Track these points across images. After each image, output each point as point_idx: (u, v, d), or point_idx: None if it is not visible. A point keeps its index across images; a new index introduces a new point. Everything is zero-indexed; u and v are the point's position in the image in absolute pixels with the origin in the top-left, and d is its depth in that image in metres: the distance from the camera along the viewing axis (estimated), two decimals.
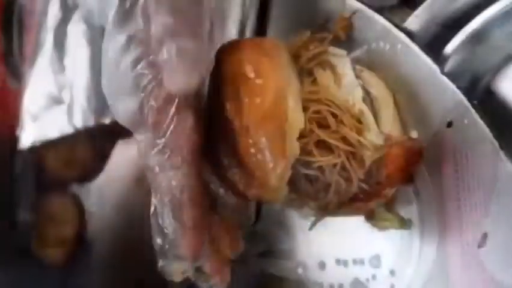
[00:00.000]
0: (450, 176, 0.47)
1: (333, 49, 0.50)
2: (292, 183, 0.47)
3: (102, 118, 0.78)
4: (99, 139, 0.89)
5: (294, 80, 0.43)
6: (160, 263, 0.47)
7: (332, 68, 0.48)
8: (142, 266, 0.83)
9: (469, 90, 0.50)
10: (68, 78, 0.82)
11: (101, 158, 0.90)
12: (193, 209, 0.43)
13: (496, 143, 0.44)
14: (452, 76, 0.50)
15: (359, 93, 0.47)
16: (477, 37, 0.49)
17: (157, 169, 0.43)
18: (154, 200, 0.45)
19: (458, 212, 0.46)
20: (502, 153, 0.43)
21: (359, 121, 0.46)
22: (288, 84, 0.42)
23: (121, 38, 0.42)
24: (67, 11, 0.83)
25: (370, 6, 0.53)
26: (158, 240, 0.46)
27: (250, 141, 0.42)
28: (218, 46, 0.47)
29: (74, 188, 0.95)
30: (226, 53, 0.47)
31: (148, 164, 0.44)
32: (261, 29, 0.64)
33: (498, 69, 0.50)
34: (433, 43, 0.52)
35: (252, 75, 0.42)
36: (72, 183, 0.94)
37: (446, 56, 0.51)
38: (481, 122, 0.45)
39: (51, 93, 0.86)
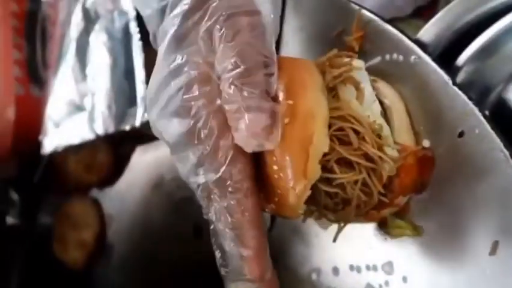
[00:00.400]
0: (461, 184, 0.48)
1: (355, 62, 0.51)
2: (312, 197, 0.48)
3: (122, 125, 0.80)
4: (118, 144, 0.92)
5: (324, 102, 0.43)
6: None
7: (356, 84, 0.48)
8: (160, 269, 0.85)
9: (480, 101, 0.51)
10: (90, 86, 0.85)
11: (120, 163, 0.92)
12: (254, 230, 0.43)
13: (507, 152, 0.45)
14: (463, 87, 0.51)
15: (377, 107, 0.49)
16: (489, 48, 0.51)
17: (216, 194, 0.42)
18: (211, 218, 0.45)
19: (468, 220, 0.47)
20: None
21: (379, 136, 0.47)
22: (319, 107, 0.43)
23: (177, 58, 0.42)
24: (89, 22, 0.86)
25: (383, 18, 0.55)
26: (220, 261, 0.46)
27: (274, 158, 0.43)
28: None
29: (94, 192, 0.97)
30: None
31: (196, 183, 0.44)
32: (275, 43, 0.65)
33: (509, 79, 0.51)
34: (445, 54, 0.54)
35: (283, 94, 0.43)
36: (92, 187, 0.97)
37: (458, 67, 0.52)
38: (491, 132, 0.46)
39: (73, 100, 0.88)
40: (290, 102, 0.42)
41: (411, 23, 0.70)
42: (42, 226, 1.05)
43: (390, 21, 0.68)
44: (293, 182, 0.42)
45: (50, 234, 1.00)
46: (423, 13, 0.71)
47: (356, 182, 0.45)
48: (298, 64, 0.45)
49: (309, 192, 0.43)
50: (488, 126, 0.46)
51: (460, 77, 0.52)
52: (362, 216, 0.50)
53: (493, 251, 0.45)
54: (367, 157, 0.45)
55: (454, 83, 0.49)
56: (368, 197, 0.46)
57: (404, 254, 0.53)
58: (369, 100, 0.48)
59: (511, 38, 0.50)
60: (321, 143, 0.42)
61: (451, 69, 0.52)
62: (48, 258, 0.99)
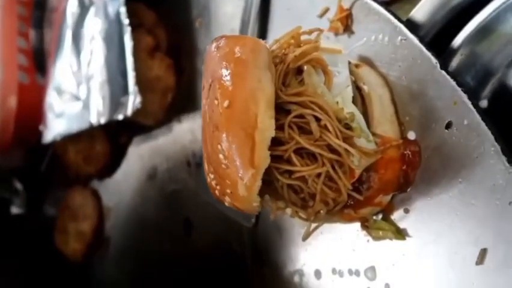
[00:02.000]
0: (448, 182, 0.42)
1: (326, 45, 0.46)
2: (275, 191, 0.44)
3: (115, 115, 0.77)
4: (115, 135, 0.89)
5: (268, 81, 0.39)
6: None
7: (323, 66, 0.43)
8: (157, 257, 0.83)
9: (478, 87, 0.45)
10: (84, 74, 0.82)
11: (117, 153, 0.90)
12: None
13: (498, 147, 0.39)
14: (460, 72, 0.45)
15: (349, 93, 0.43)
16: (487, 29, 0.44)
17: None
18: None
19: (455, 223, 0.41)
20: (504, 158, 0.38)
21: (348, 126, 0.42)
22: (261, 89, 0.38)
23: None
24: (84, 9, 0.83)
25: None
26: None
27: (219, 146, 0.39)
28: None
29: (94, 184, 0.96)
30: (209, 48, 0.44)
31: None
32: (263, 24, 0.61)
33: (511, 64, 0.44)
34: (440, 36, 0.48)
35: (225, 75, 0.40)
36: (91, 178, 0.95)
37: (453, 50, 0.46)
38: (482, 123, 0.40)
39: (69, 89, 0.86)
40: (230, 83, 0.37)
41: (414, 3, 0.63)
42: (45, 216, 1.04)
43: (391, 2, 0.64)
44: (240, 172, 0.38)
45: (52, 224, 0.99)
46: None
47: (318, 175, 0.40)
48: (242, 43, 0.40)
49: (259, 183, 0.38)
50: (478, 117, 0.40)
51: (456, 61, 0.46)
52: (336, 215, 0.45)
53: (481, 260, 0.39)
54: (331, 148, 0.40)
55: (442, 67, 0.43)
56: (336, 193, 0.41)
57: (387, 259, 0.47)
58: (342, 85, 0.42)
59: (510, 16, 0.43)
60: (266, 126, 0.38)
61: (446, 52, 0.46)
62: (50, 249, 0.98)
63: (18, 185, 1.04)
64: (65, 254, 0.96)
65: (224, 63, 0.40)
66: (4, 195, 1.04)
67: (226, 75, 0.40)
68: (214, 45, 0.43)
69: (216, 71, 0.41)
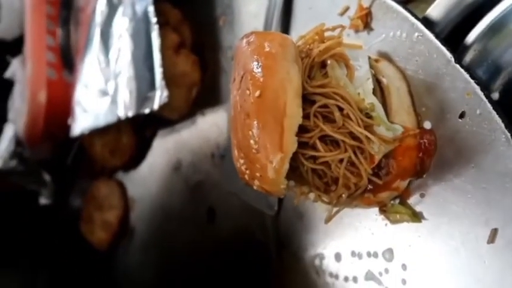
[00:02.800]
0: (462, 167, 0.45)
1: (348, 41, 0.49)
2: (300, 176, 0.47)
3: (142, 108, 0.81)
4: (141, 129, 0.93)
5: (295, 73, 0.42)
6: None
7: (346, 61, 0.47)
8: (181, 246, 0.87)
9: (490, 80, 0.48)
10: (112, 70, 0.86)
11: (142, 147, 0.94)
12: None
13: (508, 134, 0.42)
14: (472, 66, 0.48)
15: (369, 85, 0.47)
16: (498, 26, 0.47)
17: None
18: None
19: (467, 205, 0.45)
20: None
21: (368, 115, 0.45)
22: (290, 80, 0.42)
23: None
24: (112, 7, 0.87)
25: None
26: None
27: (250, 133, 0.43)
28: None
29: (120, 175, 1.00)
30: (239, 43, 0.48)
31: None
32: (285, 22, 0.64)
33: None
34: (455, 33, 0.51)
35: (256, 67, 0.43)
36: (117, 170, 0.99)
37: (467, 46, 0.49)
38: (493, 112, 0.43)
39: (98, 85, 0.90)
40: (260, 75, 0.41)
41: (430, 2, 0.66)
42: (72, 207, 1.09)
43: (408, 0, 0.67)
44: (270, 156, 0.41)
45: (78, 214, 1.04)
46: None
47: (341, 160, 0.43)
48: (270, 38, 0.44)
49: (287, 166, 0.42)
50: (490, 107, 0.43)
51: (469, 56, 0.49)
52: (357, 199, 0.49)
53: (492, 239, 0.43)
54: (353, 136, 0.43)
55: (457, 61, 0.46)
56: (357, 178, 0.44)
57: (404, 241, 0.50)
58: (362, 78, 0.46)
59: None
60: (294, 113, 0.41)
61: (460, 47, 0.49)
62: (76, 238, 1.02)
63: (47, 177, 1.08)
64: (91, 243, 1.00)
65: (255, 56, 0.44)
66: (33, 187, 1.09)
67: (257, 68, 0.43)
68: (244, 40, 0.47)
69: (248, 64, 0.44)
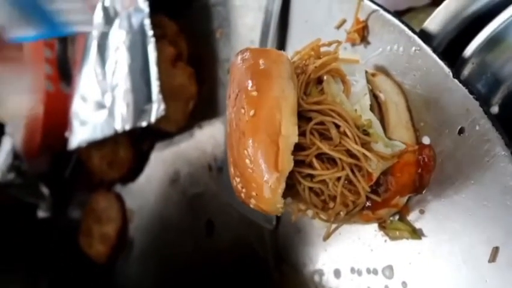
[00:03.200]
0: (461, 183, 0.44)
1: (344, 56, 0.48)
2: (297, 193, 0.46)
3: (139, 122, 0.81)
4: (138, 141, 0.93)
5: (291, 90, 0.42)
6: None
7: (342, 76, 0.46)
8: (180, 258, 0.86)
9: (489, 94, 0.48)
10: (109, 82, 0.86)
11: (140, 159, 0.93)
12: None
13: (508, 151, 0.41)
14: (471, 80, 0.48)
15: (366, 101, 0.46)
16: (496, 39, 0.47)
17: None
18: None
19: (468, 222, 0.44)
20: None
21: (366, 132, 0.45)
22: (285, 98, 0.41)
23: None
24: (109, 20, 0.87)
25: (385, 9, 0.52)
26: None
27: (246, 152, 0.42)
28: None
29: (118, 188, 0.99)
30: (235, 60, 0.47)
31: None
32: (282, 35, 0.64)
33: None
34: (452, 46, 0.50)
35: (251, 85, 0.43)
36: (115, 183, 0.98)
37: (465, 59, 0.49)
38: (493, 128, 0.42)
39: (95, 97, 0.90)
40: (255, 93, 0.40)
41: (429, 12, 0.66)
42: (70, 220, 1.08)
43: (405, 11, 0.66)
44: (266, 176, 0.40)
45: (77, 227, 1.03)
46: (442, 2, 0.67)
47: (338, 178, 0.42)
48: (265, 55, 0.43)
49: (283, 186, 0.41)
50: (489, 123, 0.42)
51: (467, 69, 0.48)
52: (355, 216, 0.48)
53: (493, 258, 0.42)
54: (350, 153, 0.42)
55: (455, 76, 0.45)
56: (355, 195, 0.44)
57: (404, 258, 0.50)
58: (360, 94, 0.45)
59: None
60: (289, 132, 0.41)
61: (458, 61, 0.49)
62: (75, 251, 1.01)
63: (45, 190, 1.07)
64: (89, 256, 0.99)
65: (250, 74, 0.43)
66: (31, 200, 1.08)
67: (251, 86, 0.43)
68: (239, 57, 0.46)
69: (242, 81, 0.44)
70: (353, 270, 0.55)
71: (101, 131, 0.88)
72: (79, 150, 0.99)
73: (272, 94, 0.42)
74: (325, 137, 0.43)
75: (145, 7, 0.79)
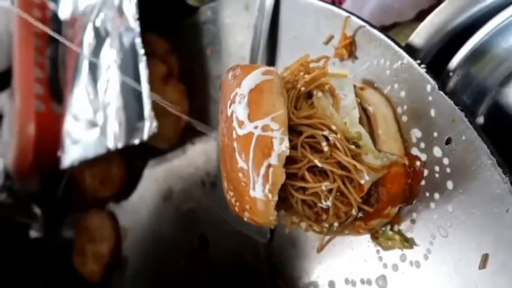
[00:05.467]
0: (450, 192, 0.46)
1: (333, 70, 0.50)
2: (290, 206, 0.47)
3: (131, 139, 0.81)
4: (131, 158, 0.93)
5: (281, 104, 0.43)
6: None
7: (331, 90, 0.48)
8: (174, 274, 0.86)
9: (475, 105, 0.49)
10: (101, 101, 0.86)
11: (133, 176, 0.94)
12: None
13: (494, 159, 0.42)
14: (456, 91, 0.49)
15: (356, 114, 0.47)
16: (479, 51, 0.48)
17: None
18: None
19: (457, 230, 0.45)
20: (500, 170, 0.42)
21: (356, 144, 0.46)
22: (276, 110, 0.42)
23: None
24: (100, 40, 0.88)
25: (372, 24, 0.53)
26: None
27: (238, 166, 0.43)
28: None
29: (111, 206, 0.99)
30: (226, 76, 0.48)
31: None
32: (271, 51, 0.65)
33: (504, 82, 0.48)
34: (438, 59, 0.52)
35: (240, 102, 0.44)
36: (108, 201, 0.99)
37: (450, 72, 0.50)
38: (479, 138, 0.43)
39: (87, 116, 0.90)
40: (245, 108, 0.41)
41: (414, 28, 0.68)
42: (63, 239, 1.08)
43: (391, 27, 0.68)
44: (258, 189, 0.41)
45: (70, 247, 1.03)
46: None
47: (330, 190, 0.43)
48: (256, 71, 0.44)
49: (276, 198, 0.42)
50: (475, 133, 0.44)
51: (453, 81, 0.50)
52: (348, 228, 0.49)
53: (483, 264, 0.43)
54: (341, 165, 0.43)
55: (440, 88, 0.46)
56: (347, 207, 0.45)
57: (396, 268, 0.50)
58: (349, 107, 0.46)
59: (501, 39, 0.47)
60: (281, 145, 0.41)
61: (443, 73, 0.50)
62: (68, 271, 1.01)
63: (37, 210, 1.07)
64: (83, 275, 0.99)
65: (238, 90, 0.44)
66: (23, 220, 1.08)
67: (242, 101, 0.44)
68: (230, 74, 0.47)
69: (234, 97, 0.45)
70: (347, 281, 0.56)
71: (93, 150, 0.89)
72: (71, 169, 0.99)
73: (263, 109, 0.43)
74: (316, 150, 0.44)
75: (135, 26, 0.80)
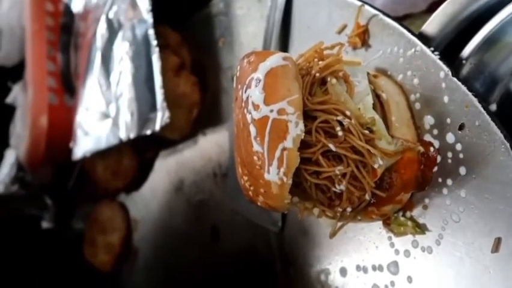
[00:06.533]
0: (463, 178, 0.46)
1: (347, 58, 0.50)
2: (304, 191, 0.48)
3: (143, 130, 0.82)
4: (142, 150, 0.94)
5: (296, 89, 0.44)
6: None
7: (345, 77, 0.48)
8: (185, 265, 0.87)
9: (487, 93, 0.49)
10: (113, 93, 0.87)
11: (144, 168, 0.94)
12: None
13: (508, 144, 0.43)
14: (469, 79, 0.49)
15: (369, 100, 0.47)
16: (492, 39, 0.49)
17: None
18: None
19: (469, 215, 0.45)
20: None
21: (370, 129, 0.46)
22: (291, 96, 0.43)
23: None
24: (113, 32, 0.89)
25: (385, 13, 0.54)
26: None
27: (253, 149, 0.43)
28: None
29: (122, 197, 1.00)
30: (241, 63, 0.49)
31: None
32: (284, 42, 0.66)
33: None
34: (451, 47, 0.52)
35: (256, 85, 0.44)
36: (119, 192, 0.99)
37: (463, 60, 0.50)
38: (492, 123, 0.44)
39: (99, 108, 0.91)
40: (261, 93, 0.42)
41: (426, 19, 0.68)
42: (74, 230, 1.09)
43: (403, 18, 0.68)
44: (273, 172, 0.42)
45: (81, 238, 1.04)
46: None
47: (344, 175, 0.44)
48: (271, 57, 0.45)
49: (290, 181, 0.42)
50: (488, 118, 0.44)
51: (465, 69, 0.50)
52: (360, 213, 0.49)
53: (496, 248, 0.43)
54: (355, 150, 0.44)
55: (454, 75, 0.47)
56: (360, 192, 0.45)
57: (408, 254, 0.51)
58: (362, 93, 0.47)
59: None
60: (296, 129, 0.42)
61: (456, 61, 0.51)
62: (79, 261, 1.02)
63: (48, 201, 1.08)
64: (94, 266, 1.00)
65: (254, 75, 0.45)
66: (34, 211, 1.09)
67: (258, 86, 0.44)
68: (245, 60, 0.48)
69: (249, 82, 0.45)
70: (358, 267, 0.56)
71: (105, 141, 0.90)
72: (83, 160, 1.00)
73: (279, 93, 0.43)
74: (330, 135, 0.44)
75: (148, 18, 0.81)
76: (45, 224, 1.08)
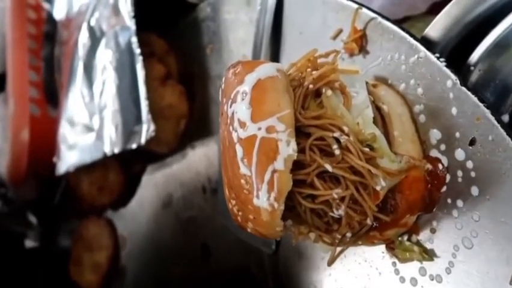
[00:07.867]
0: (476, 200, 0.41)
1: (343, 66, 0.45)
2: (298, 215, 0.43)
3: (129, 144, 0.77)
4: (129, 164, 0.89)
5: (287, 103, 0.39)
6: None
7: (342, 88, 0.43)
8: (175, 284, 0.82)
9: (499, 103, 0.45)
10: (96, 104, 0.83)
11: (131, 182, 0.90)
12: None
13: None
14: (477, 87, 0.45)
15: (369, 113, 0.43)
16: (504, 43, 0.44)
17: None
18: None
19: (486, 243, 0.41)
20: None
21: (370, 147, 0.41)
22: (281, 109, 0.38)
23: None
24: (95, 40, 0.84)
25: (384, 16, 0.49)
26: None
27: (240, 172, 0.39)
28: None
29: (109, 213, 0.96)
30: (226, 74, 0.44)
31: None
32: (275, 49, 0.61)
33: None
34: (457, 52, 0.47)
35: (243, 99, 0.40)
36: (106, 208, 0.95)
37: (471, 66, 0.46)
38: (508, 138, 0.39)
39: (82, 120, 0.87)
40: (247, 108, 0.37)
41: (427, 21, 0.64)
42: (60, 248, 1.04)
43: (402, 20, 0.64)
44: (263, 197, 0.37)
45: (67, 256, 0.99)
46: (441, 10, 0.65)
47: (342, 198, 0.39)
48: (259, 68, 0.40)
49: (282, 207, 0.38)
50: (503, 132, 0.39)
51: (474, 76, 0.45)
52: (362, 238, 0.44)
53: None
54: (354, 170, 0.39)
55: (462, 84, 0.42)
56: (361, 216, 0.40)
57: (415, 282, 0.46)
58: (361, 106, 0.42)
59: None
60: (288, 148, 0.37)
61: (463, 68, 0.46)
62: (65, 281, 0.97)
63: (32, 218, 1.04)
64: (80, 286, 0.95)
65: (240, 89, 0.40)
66: (18, 229, 1.04)
67: (244, 100, 0.39)
68: (231, 71, 0.43)
69: (235, 96, 0.41)
70: None
71: (89, 155, 0.85)
72: (67, 175, 0.96)
73: (267, 109, 0.38)
74: (326, 153, 0.39)
75: (131, 24, 0.77)
76: (29, 243, 1.03)
